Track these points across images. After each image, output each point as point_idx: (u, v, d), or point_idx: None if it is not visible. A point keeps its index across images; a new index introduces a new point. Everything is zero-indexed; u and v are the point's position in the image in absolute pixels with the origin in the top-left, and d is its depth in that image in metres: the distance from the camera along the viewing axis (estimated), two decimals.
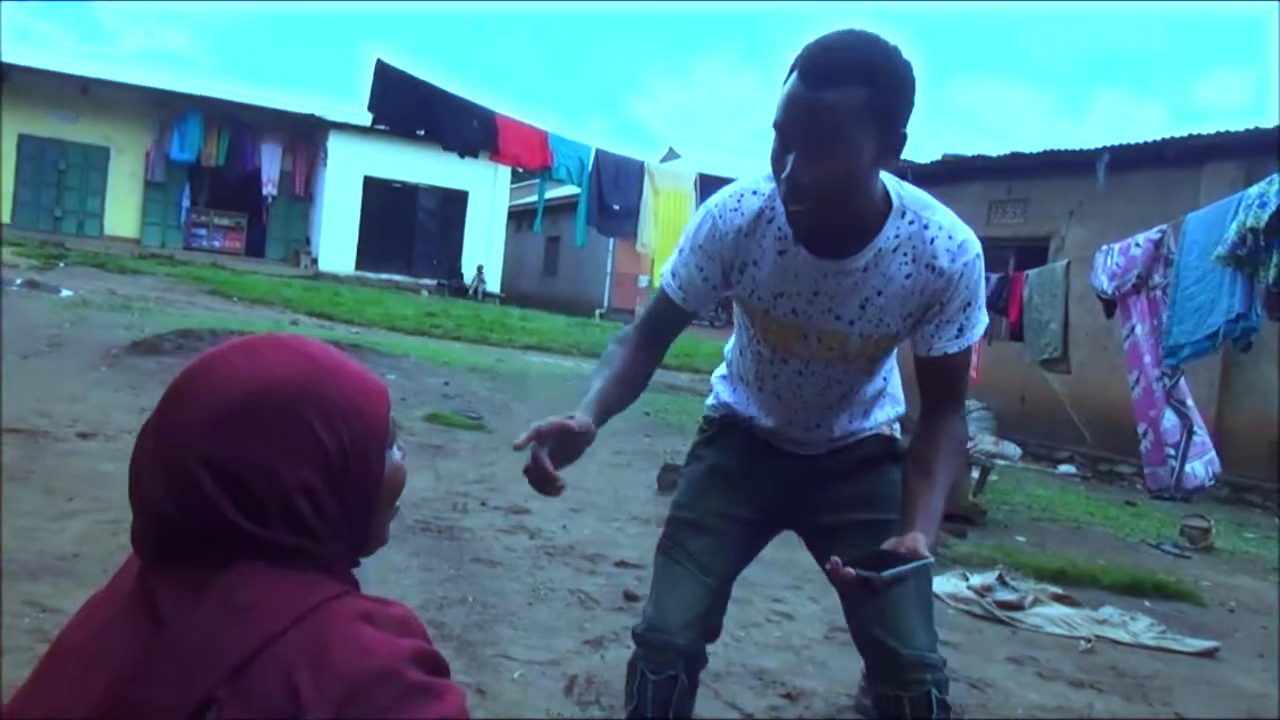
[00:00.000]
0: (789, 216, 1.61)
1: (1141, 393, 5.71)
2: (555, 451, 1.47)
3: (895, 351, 1.86)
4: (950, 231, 1.63)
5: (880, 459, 1.92)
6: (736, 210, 1.68)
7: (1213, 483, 5.61)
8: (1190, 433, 5.49)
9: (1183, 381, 5.59)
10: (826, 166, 1.45)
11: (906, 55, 1.47)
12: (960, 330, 1.68)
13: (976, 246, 1.66)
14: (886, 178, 1.63)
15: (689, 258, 1.74)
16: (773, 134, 1.50)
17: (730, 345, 1.99)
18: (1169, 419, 5.53)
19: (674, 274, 1.76)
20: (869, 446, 1.92)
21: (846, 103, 1.41)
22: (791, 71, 1.46)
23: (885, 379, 1.92)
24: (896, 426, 1.99)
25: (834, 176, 1.46)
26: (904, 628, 1.75)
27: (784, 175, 1.48)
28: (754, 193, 1.68)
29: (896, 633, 1.74)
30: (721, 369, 2.03)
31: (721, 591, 1.89)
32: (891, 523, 1.75)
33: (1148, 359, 5.65)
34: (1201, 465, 5.49)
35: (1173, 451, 5.54)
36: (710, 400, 2.03)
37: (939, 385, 1.72)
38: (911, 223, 1.62)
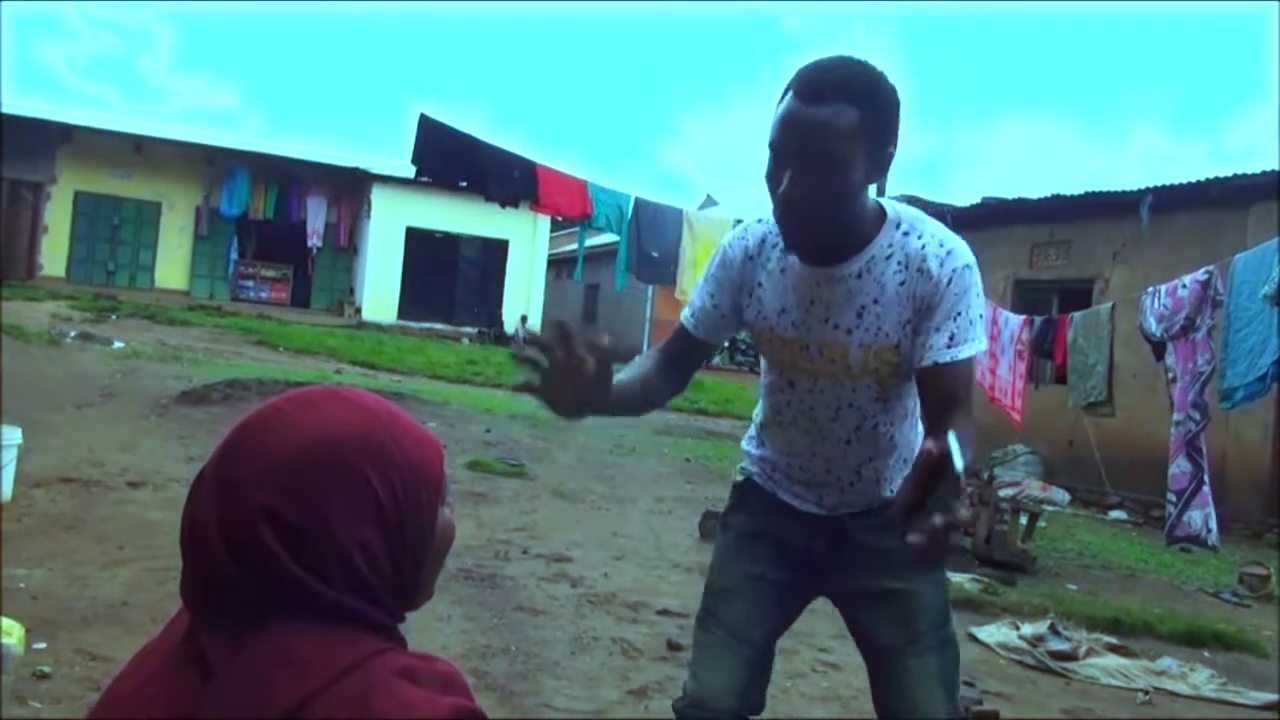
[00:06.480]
0: (782, 228, 1.65)
1: (1172, 434, 5.64)
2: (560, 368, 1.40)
3: (917, 405, 1.78)
4: (941, 240, 1.66)
5: None
6: (742, 238, 1.79)
7: (1209, 534, 5.37)
8: (1200, 482, 5.39)
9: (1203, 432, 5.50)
10: (820, 180, 1.53)
11: (891, 81, 1.57)
12: (951, 339, 1.62)
13: (968, 257, 1.67)
14: (886, 201, 1.70)
15: (702, 287, 1.83)
16: (768, 154, 1.58)
17: (758, 406, 1.95)
18: (1180, 464, 5.45)
19: (689, 304, 1.85)
20: None
21: (839, 119, 1.49)
22: (787, 92, 1.55)
23: (916, 430, 1.82)
24: None
25: (827, 189, 1.54)
26: (919, 709, 1.73)
27: (779, 191, 1.55)
28: (759, 221, 1.78)
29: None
30: (749, 431, 1.98)
31: (759, 660, 1.83)
32: (917, 592, 1.74)
33: (1177, 402, 5.56)
34: (1200, 516, 5.36)
35: (1173, 497, 5.43)
36: (738, 467, 1.98)
37: (938, 400, 1.62)
38: (906, 234, 1.67)
